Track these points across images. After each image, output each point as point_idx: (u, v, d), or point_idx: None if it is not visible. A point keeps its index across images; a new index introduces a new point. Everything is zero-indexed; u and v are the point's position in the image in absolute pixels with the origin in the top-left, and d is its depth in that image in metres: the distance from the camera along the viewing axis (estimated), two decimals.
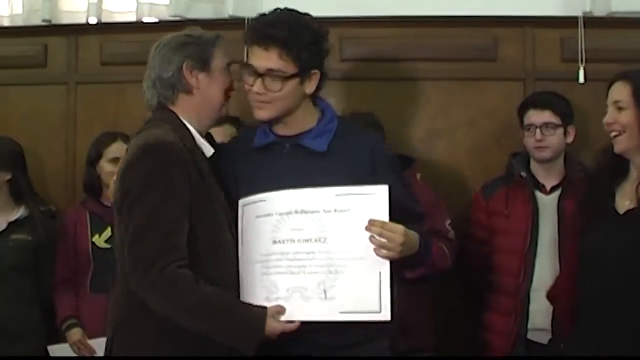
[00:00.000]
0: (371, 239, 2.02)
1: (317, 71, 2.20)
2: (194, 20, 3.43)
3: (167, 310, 2.01)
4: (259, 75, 2.15)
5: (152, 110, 2.23)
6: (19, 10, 3.63)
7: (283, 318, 2.05)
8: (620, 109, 2.29)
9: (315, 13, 2.24)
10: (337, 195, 2.07)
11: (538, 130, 2.95)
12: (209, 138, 2.29)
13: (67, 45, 3.61)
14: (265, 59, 2.14)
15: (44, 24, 3.56)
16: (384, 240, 2.01)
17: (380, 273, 2.02)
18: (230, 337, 2.03)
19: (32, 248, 3.16)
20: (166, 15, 3.49)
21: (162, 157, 2.04)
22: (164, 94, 2.19)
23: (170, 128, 2.13)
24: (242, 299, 2.11)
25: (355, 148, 2.21)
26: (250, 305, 2.08)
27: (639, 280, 2.17)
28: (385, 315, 2.02)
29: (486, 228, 3.05)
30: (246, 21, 3.36)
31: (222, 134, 3.03)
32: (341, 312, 2.03)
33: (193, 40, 2.20)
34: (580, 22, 3.31)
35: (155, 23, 3.54)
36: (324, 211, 2.06)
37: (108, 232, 3.11)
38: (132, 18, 3.55)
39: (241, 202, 2.16)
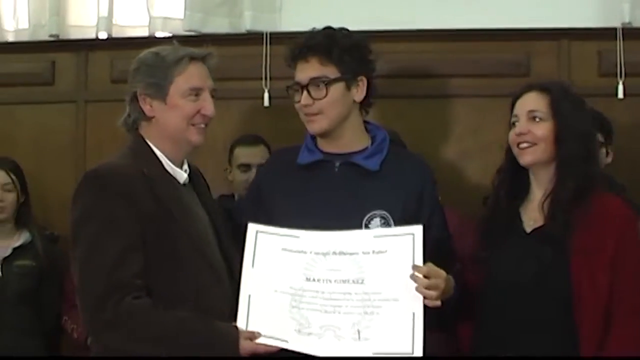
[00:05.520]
0: (417, 287, 2.02)
1: (363, 77, 2.23)
2: (209, 35, 3.37)
3: (130, 345, 1.95)
4: (302, 87, 2.19)
5: (127, 130, 2.16)
6: (24, 24, 3.59)
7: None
8: (535, 118, 2.26)
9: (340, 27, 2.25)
10: (375, 237, 2.10)
11: None
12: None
13: (76, 62, 3.55)
14: (306, 69, 2.19)
15: (51, 39, 3.51)
16: (425, 287, 2.03)
17: (413, 314, 2.05)
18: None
19: (36, 274, 3.11)
20: (180, 30, 3.43)
21: (100, 189, 1.99)
22: (131, 117, 2.13)
23: (132, 154, 2.08)
24: (255, 321, 2.06)
25: (406, 172, 2.26)
26: (219, 325, 2.03)
27: (549, 297, 2.20)
28: (417, 354, 2.04)
29: None
30: (264, 36, 3.37)
31: (255, 154, 3.06)
32: (374, 353, 2.05)
33: (153, 61, 2.09)
34: (619, 34, 3.24)
35: (169, 38, 3.45)
36: (363, 252, 2.09)
37: None
38: (144, 33, 3.50)
39: (255, 227, 2.15)
